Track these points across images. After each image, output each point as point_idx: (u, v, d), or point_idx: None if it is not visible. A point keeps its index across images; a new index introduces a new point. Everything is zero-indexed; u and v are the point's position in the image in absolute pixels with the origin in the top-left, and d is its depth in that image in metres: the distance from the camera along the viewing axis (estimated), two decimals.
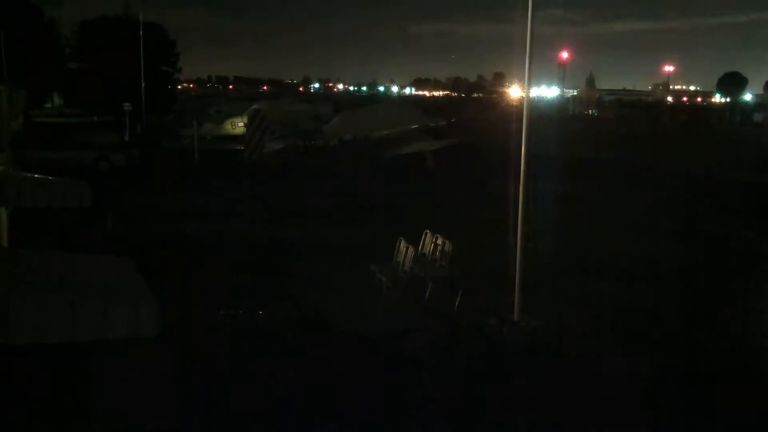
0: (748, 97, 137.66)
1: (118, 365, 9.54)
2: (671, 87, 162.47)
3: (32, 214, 15.87)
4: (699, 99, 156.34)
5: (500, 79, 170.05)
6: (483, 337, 11.32)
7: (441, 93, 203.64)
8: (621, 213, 23.67)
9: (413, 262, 12.95)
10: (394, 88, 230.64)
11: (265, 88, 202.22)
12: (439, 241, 13.32)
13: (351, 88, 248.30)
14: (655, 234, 20.17)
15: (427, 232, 13.88)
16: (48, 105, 74.24)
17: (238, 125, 44.76)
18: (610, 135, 58.40)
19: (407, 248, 13.12)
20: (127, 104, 40.75)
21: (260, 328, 11.61)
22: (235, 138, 41.25)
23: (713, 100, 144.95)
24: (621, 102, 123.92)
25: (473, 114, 40.43)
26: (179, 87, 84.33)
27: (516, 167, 12.56)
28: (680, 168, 34.90)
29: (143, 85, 44.67)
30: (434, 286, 12.71)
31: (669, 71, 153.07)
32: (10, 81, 29.30)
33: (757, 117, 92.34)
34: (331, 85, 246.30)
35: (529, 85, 12.66)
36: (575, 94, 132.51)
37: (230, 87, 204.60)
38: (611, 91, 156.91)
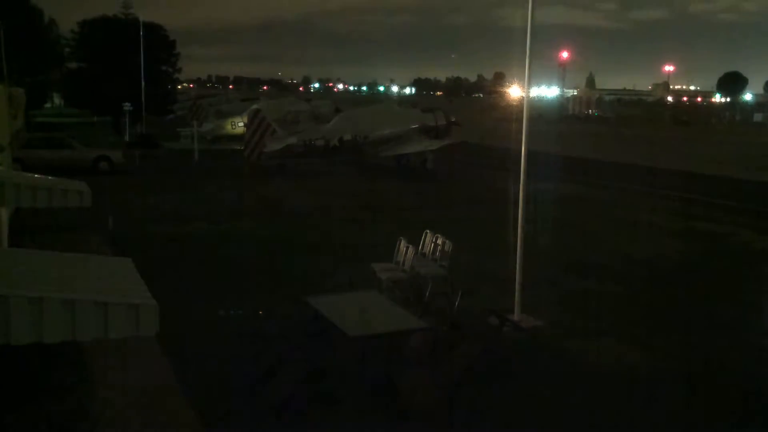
0: (748, 97, 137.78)
1: (117, 365, 9.56)
2: (671, 87, 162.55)
3: (32, 214, 15.96)
4: (699, 99, 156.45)
5: (500, 78, 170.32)
6: (483, 337, 11.31)
7: (439, 93, 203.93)
8: (621, 212, 23.69)
9: (413, 262, 12.93)
10: (394, 88, 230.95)
11: (265, 88, 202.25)
12: (439, 241, 13.30)
13: (351, 88, 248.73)
14: (655, 233, 20.18)
15: (427, 232, 13.87)
16: (48, 105, 74.24)
17: (238, 125, 44.72)
18: (610, 135, 58.43)
19: (407, 248, 13.10)
20: (127, 104, 40.76)
21: (260, 327, 11.60)
22: (235, 138, 41.23)
23: (713, 100, 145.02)
24: (621, 102, 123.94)
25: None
26: (179, 87, 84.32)
27: (516, 166, 12.57)
28: (680, 167, 34.93)
29: (143, 85, 44.67)
30: (434, 286, 12.70)
31: (669, 71, 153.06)
32: (10, 81, 29.28)
33: (757, 117, 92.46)
34: (331, 85, 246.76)
35: (529, 85, 12.65)
36: (575, 93, 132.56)
37: (230, 87, 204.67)
38: (611, 91, 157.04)
